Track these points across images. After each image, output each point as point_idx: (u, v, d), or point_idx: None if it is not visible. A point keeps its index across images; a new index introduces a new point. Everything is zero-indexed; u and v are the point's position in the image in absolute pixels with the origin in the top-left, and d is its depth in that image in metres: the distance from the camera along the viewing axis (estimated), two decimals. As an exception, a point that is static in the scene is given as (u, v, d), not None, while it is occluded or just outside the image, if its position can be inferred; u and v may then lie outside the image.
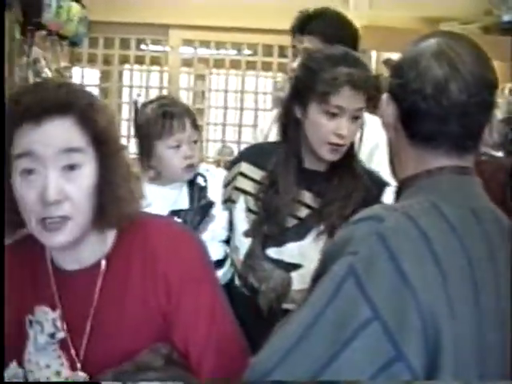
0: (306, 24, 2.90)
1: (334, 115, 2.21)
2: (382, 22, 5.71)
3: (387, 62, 5.19)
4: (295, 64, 2.88)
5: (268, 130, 3.07)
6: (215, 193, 2.55)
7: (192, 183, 2.59)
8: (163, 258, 1.68)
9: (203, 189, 2.58)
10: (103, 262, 1.68)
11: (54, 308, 1.69)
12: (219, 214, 2.52)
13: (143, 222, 1.71)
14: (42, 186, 1.54)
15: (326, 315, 1.31)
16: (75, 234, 1.59)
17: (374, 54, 5.80)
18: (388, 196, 2.22)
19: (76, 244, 1.64)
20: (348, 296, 1.32)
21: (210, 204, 2.54)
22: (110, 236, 1.70)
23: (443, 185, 1.46)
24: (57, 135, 1.56)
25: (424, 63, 1.46)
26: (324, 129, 2.22)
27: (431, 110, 1.45)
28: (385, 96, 1.54)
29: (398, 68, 1.52)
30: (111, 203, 1.60)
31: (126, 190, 1.63)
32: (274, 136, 2.78)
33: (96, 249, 1.68)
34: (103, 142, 1.60)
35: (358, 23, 5.66)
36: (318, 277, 1.41)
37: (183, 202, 2.56)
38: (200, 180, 2.59)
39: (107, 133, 1.61)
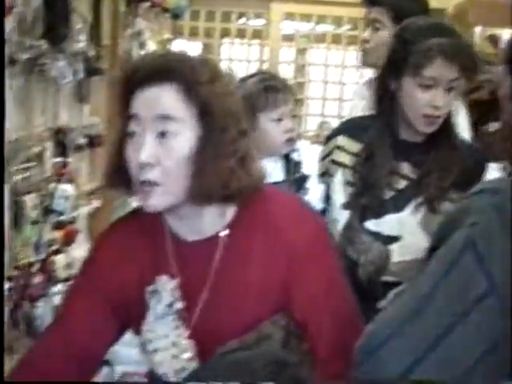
0: None
1: (428, 87, 2.18)
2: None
3: (491, 38, 5.09)
4: (365, 35, 2.94)
5: (354, 104, 3.08)
6: (308, 168, 2.57)
7: (287, 158, 2.63)
8: (286, 229, 1.68)
9: (298, 163, 2.62)
10: (224, 233, 1.68)
11: (172, 277, 1.69)
12: (314, 186, 2.54)
13: (263, 194, 1.70)
14: (139, 148, 1.58)
15: (444, 286, 1.30)
16: (168, 201, 1.60)
17: (477, 30, 5.69)
18: (491, 170, 2.20)
19: (195, 215, 1.66)
20: (466, 268, 1.29)
21: (305, 177, 2.57)
22: (231, 208, 1.69)
23: None
24: (156, 100, 1.58)
25: None
26: (419, 101, 2.20)
27: None
28: (501, 69, 1.51)
29: None
30: (215, 175, 1.58)
31: (237, 163, 1.61)
32: (359, 110, 2.81)
33: (216, 220, 1.68)
34: (208, 114, 1.59)
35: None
36: (433, 248, 1.40)
37: (278, 175, 2.59)
38: (295, 155, 2.63)
39: (213, 105, 1.59)
